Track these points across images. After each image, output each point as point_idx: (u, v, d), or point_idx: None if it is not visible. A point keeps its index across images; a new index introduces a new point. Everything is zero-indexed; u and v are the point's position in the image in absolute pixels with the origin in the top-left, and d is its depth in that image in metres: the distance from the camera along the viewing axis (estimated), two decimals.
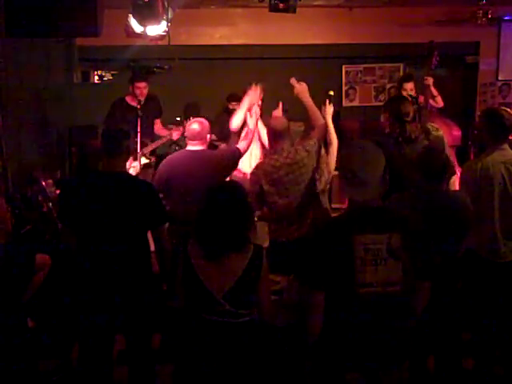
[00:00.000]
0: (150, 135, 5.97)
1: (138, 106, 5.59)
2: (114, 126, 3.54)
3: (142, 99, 5.76)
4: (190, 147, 4.14)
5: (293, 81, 4.00)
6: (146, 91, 5.84)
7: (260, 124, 4.90)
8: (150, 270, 3.23)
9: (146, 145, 5.86)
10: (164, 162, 4.19)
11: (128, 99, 5.92)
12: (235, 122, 4.63)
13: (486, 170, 3.46)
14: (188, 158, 4.09)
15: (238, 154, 4.24)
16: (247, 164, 4.96)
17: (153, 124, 6.13)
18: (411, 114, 4.08)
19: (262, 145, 4.98)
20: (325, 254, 2.32)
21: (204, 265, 2.58)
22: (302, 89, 3.96)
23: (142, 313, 3.14)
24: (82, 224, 3.10)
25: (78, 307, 3.18)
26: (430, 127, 4.23)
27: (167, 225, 3.48)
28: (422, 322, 2.72)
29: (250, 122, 4.45)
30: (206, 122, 4.18)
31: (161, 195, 3.79)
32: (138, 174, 5.34)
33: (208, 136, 4.17)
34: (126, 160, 3.34)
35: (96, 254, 3.09)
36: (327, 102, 3.97)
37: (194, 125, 4.10)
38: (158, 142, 6.03)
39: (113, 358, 3.30)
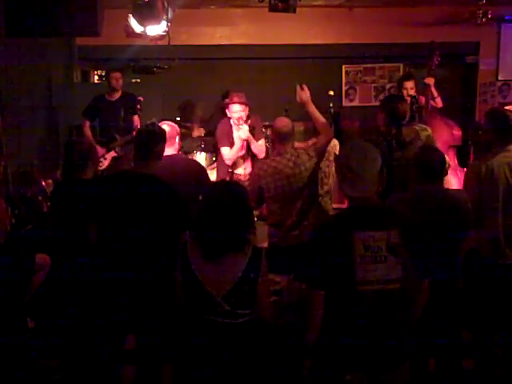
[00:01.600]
0: (128, 131, 6.04)
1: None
2: (146, 126, 3.56)
3: (119, 89, 6.20)
4: None
5: (298, 88, 3.90)
6: (121, 81, 6.23)
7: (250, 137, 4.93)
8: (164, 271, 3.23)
9: (116, 140, 6.06)
10: None
11: (106, 95, 6.26)
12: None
13: (491, 171, 3.46)
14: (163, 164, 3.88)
15: (203, 174, 4.15)
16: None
17: (131, 120, 6.23)
18: (408, 115, 4.05)
19: (253, 156, 5.02)
20: (324, 252, 2.33)
21: (203, 265, 2.57)
22: (305, 96, 3.87)
23: (157, 313, 3.14)
24: (107, 221, 3.15)
25: (94, 305, 3.22)
26: (417, 128, 4.21)
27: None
28: (423, 322, 2.72)
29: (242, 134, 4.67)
30: (175, 125, 4.11)
31: None
32: (108, 166, 5.87)
33: (177, 138, 4.07)
34: (158, 162, 3.33)
35: (116, 252, 3.13)
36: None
37: (165, 127, 3.89)
38: (126, 138, 6.04)
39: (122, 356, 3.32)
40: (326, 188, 4.26)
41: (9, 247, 3.26)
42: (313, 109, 3.88)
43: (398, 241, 2.30)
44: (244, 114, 4.88)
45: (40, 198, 4.56)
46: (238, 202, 2.61)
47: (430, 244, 2.51)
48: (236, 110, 4.84)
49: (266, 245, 3.78)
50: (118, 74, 6.23)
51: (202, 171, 4.18)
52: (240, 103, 4.85)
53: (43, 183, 4.75)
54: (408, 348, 2.43)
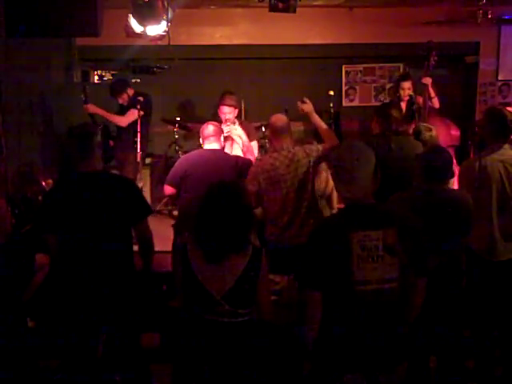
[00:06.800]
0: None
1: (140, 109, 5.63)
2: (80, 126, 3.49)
3: (125, 103, 5.94)
4: (207, 146, 4.32)
5: (299, 103, 3.94)
6: (127, 97, 5.95)
7: (240, 130, 4.87)
8: (132, 269, 3.25)
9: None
10: (182, 157, 4.46)
11: (119, 99, 6.11)
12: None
13: (484, 168, 3.47)
14: (206, 155, 4.28)
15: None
16: None
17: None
18: (399, 117, 4.12)
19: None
20: (322, 252, 2.34)
21: (203, 265, 2.57)
22: (308, 108, 3.91)
23: (126, 312, 3.15)
24: (63, 227, 3.12)
25: (62, 308, 3.24)
26: (422, 128, 4.23)
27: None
28: (426, 322, 2.72)
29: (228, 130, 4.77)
30: (219, 125, 4.44)
31: (171, 190, 4.17)
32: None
33: (222, 138, 4.39)
34: (101, 157, 3.30)
35: (78, 255, 3.12)
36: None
37: (210, 126, 4.34)
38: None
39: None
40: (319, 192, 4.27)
41: (9, 247, 3.25)
42: (316, 118, 3.92)
43: (395, 240, 2.31)
44: (232, 116, 5.11)
45: (40, 197, 4.55)
46: (237, 203, 2.61)
47: (431, 244, 2.51)
48: (225, 112, 5.11)
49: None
50: (124, 96, 5.97)
51: (241, 162, 4.36)
52: (229, 106, 5.12)
53: (43, 183, 4.75)
54: (406, 347, 2.44)
